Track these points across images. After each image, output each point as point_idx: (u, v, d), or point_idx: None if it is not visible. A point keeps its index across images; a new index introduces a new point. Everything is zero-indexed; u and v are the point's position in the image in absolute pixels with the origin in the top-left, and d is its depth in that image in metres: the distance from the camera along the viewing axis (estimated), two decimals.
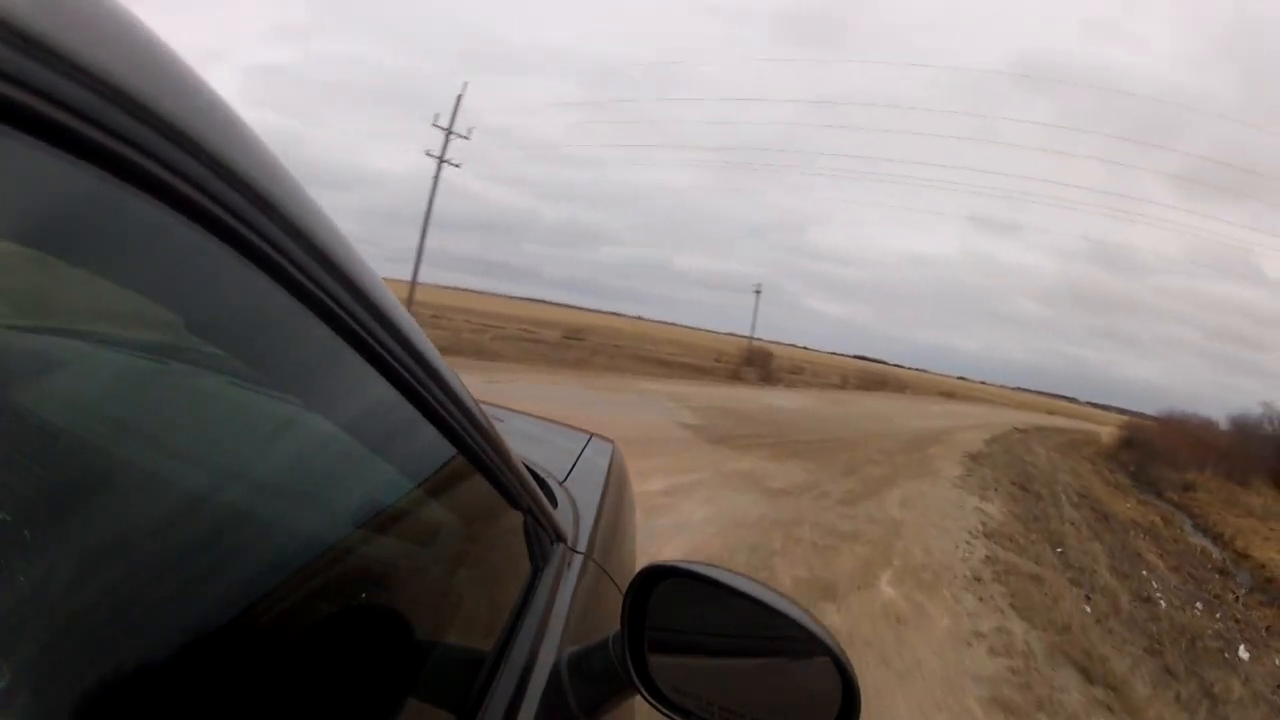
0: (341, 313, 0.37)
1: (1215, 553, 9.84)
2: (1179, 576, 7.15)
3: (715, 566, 0.62)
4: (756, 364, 22.94)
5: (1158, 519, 11.46)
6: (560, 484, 1.04)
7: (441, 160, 18.91)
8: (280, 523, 0.43)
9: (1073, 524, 7.96)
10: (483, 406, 0.60)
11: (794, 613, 0.58)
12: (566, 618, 0.73)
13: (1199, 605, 6.09)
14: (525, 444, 0.89)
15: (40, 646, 0.28)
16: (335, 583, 0.48)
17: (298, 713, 0.41)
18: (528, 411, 1.57)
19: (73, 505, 0.32)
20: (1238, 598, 7.13)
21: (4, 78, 0.21)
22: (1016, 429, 24.28)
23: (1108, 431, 34.74)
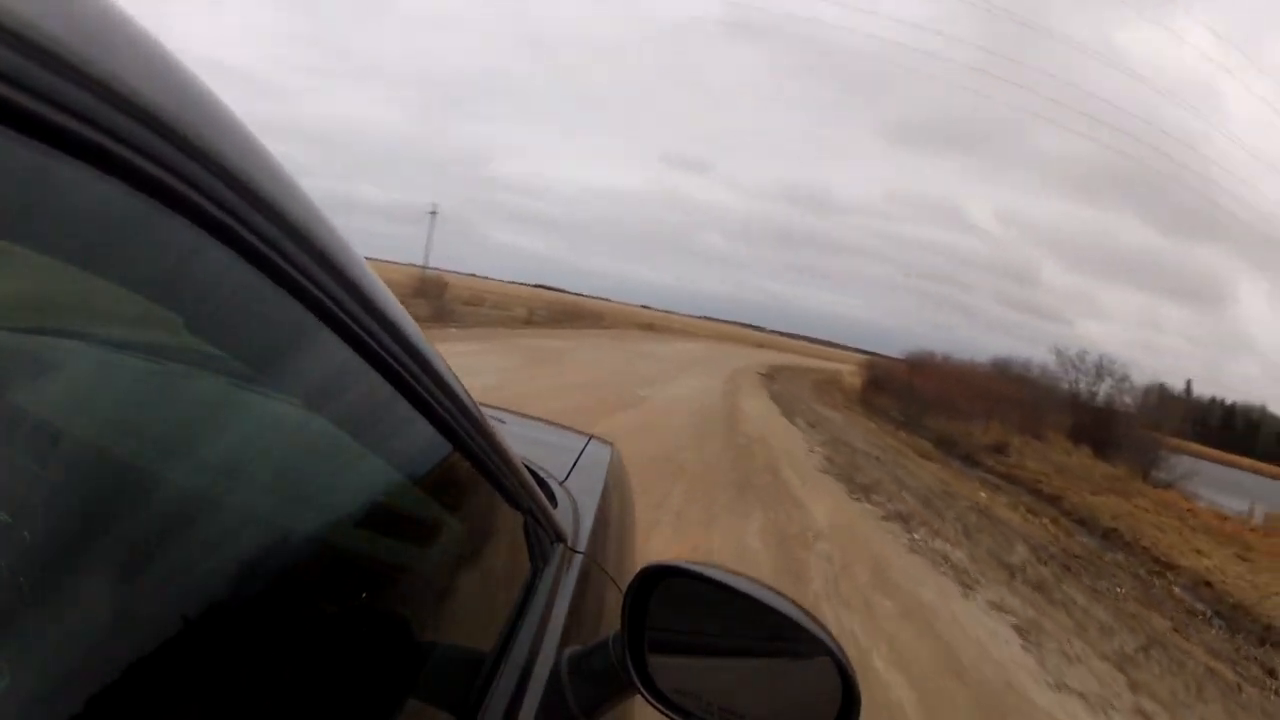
0: (341, 313, 0.37)
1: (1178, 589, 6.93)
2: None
3: (716, 567, 0.62)
4: (429, 295, 17.53)
5: (1027, 513, 8.64)
6: (560, 484, 1.04)
7: None
8: (280, 523, 0.43)
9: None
10: (483, 407, 0.60)
11: (794, 613, 0.58)
12: (566, 618, 0.73)
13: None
14: (525, 444, 0.89)
15: (40, 646, 0.28)
16: (335, 583, 0.48)
17: (298, 713, 0.41)
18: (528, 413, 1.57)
19: (73, 505, 0.32)
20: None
21: (4, 78, 0.21)
22: (760, 373, 20.90)
23: (839, 370, 31.55)
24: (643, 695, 0.60)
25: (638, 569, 0.63)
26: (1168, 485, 15.42)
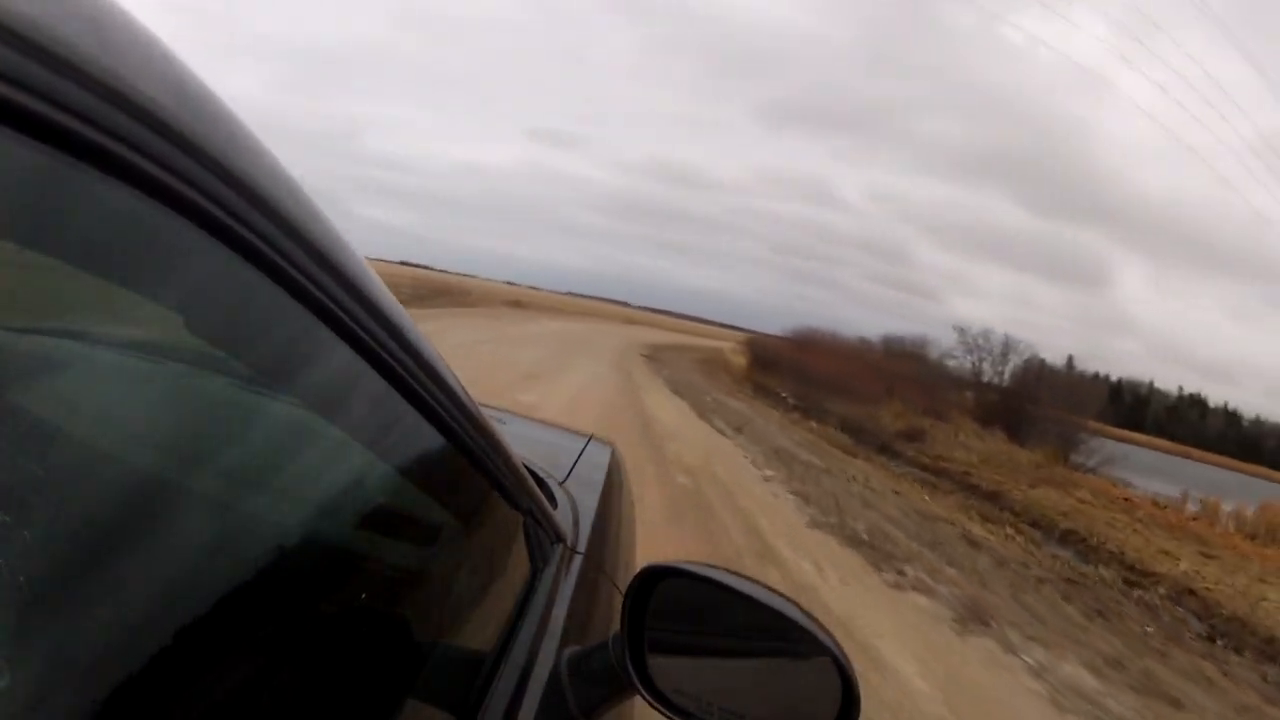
0: (341, 313, 0.37)
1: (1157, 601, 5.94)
2: None
3: (716, 568, 0.62)
4: None
5: (984, 521, 7.62)
6: (560, 485, 1.04)
7: None
8: (280, 523, 0.43)
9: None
10: (483, 407, 0.60)
11: (794, 614, 0.58)
12: (566, 618, 0.73)
13: None
14: (525, 445, 0.89)
15: (40, 646, 0.28)
16: (335, 583, 0.48)
17: (297, 713, 0.41)
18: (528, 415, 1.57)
19: (73, 505, 0.32)
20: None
21: (4, 78, 0.21)
22: (644, 355, 18.74)
23: (717, 347, 28.94)
24: (642, 696, 0.60)
25: (637, 569, 0.63)
26: (1090, 470, 14.37)
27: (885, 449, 11.50)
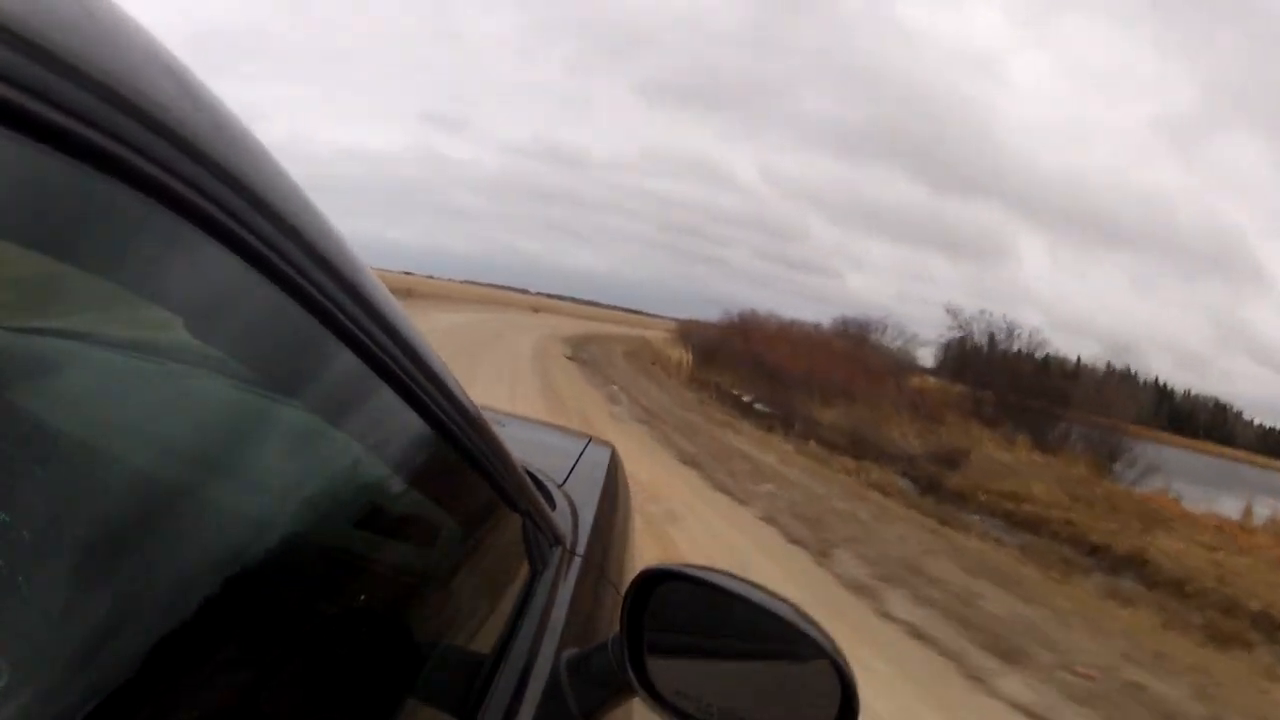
0: (341, 315, 0.37)
1: None
2: None
3: (715, 570, 0.62)
4: None
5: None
6: (559, 487, 1.04)
7: None
8: (280, 524, 0.43)
9: None
10: (483, 410, 0.60)
11: (793, 617, 0.58)
12: (565, 620, 0.73)
13: None
14: (524, 447, 0.89)
15: (40, 646, 0.28)
16: (334, 585, 0.48)
17: (297, 714, 0.41)
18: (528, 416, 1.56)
19: (73, 505, 0.32)
20: None
21: (4, 78, 0.21)
22: (567, 355, 15.08)
23: (643, 337, 25.80)
24: (642, 698, 0.60)
25: (637, 572, 0.63)
26: (1133, 483, 11.21)
27: (935, 486, 8.34)
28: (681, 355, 18.84)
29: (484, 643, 0.63)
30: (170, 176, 0.26)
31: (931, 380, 17.91)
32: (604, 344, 21.64)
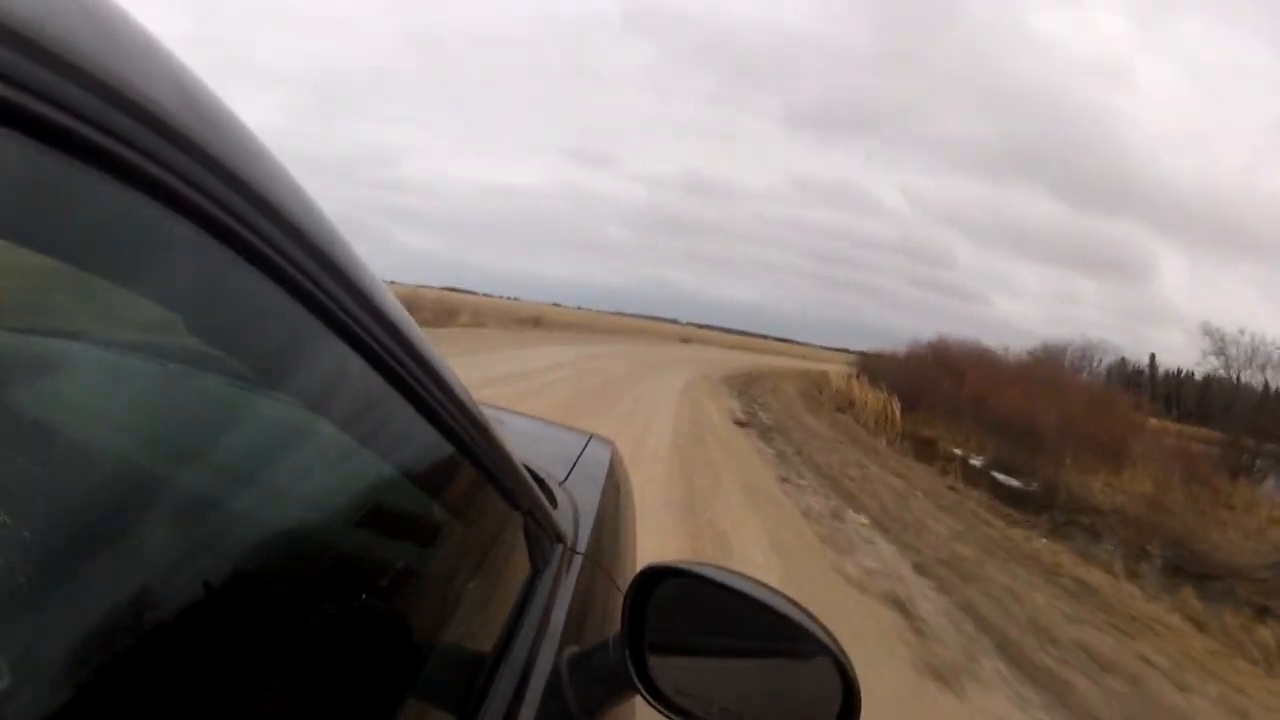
0: (341, 314, 0.37)
1: None
2: None
3: (716, 567, 0.62)
4: None
5: None
6: (560, 485, 1.04)
7: None
8: (279, 523, 0.43)
9: None
10: (482, 407, 0.60)
11: (794, 614, 0.58)
12: (566, 619, 0.73)
13: None
14: (525, 444, 0.89)
15: (40, 646, 0.28)
16: (335, 583, 0.48)
17: (297, 713, 0.41)
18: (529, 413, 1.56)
19: (73, 505, 0.32)
20: None
21: (4, 78, 0.21)
22: (738, 419, 9.34)
23: (810, 371, 22.94)
24: (643, 696, 0.60)
25: (638, 570, 0.63)
26: None
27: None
28: (872, 397, 14.22)
29: (485, 641, 0.63)
30: (171, 176, 0.26)
31: (1170, 424, 14.05)
32: (772, 385, 17.18)
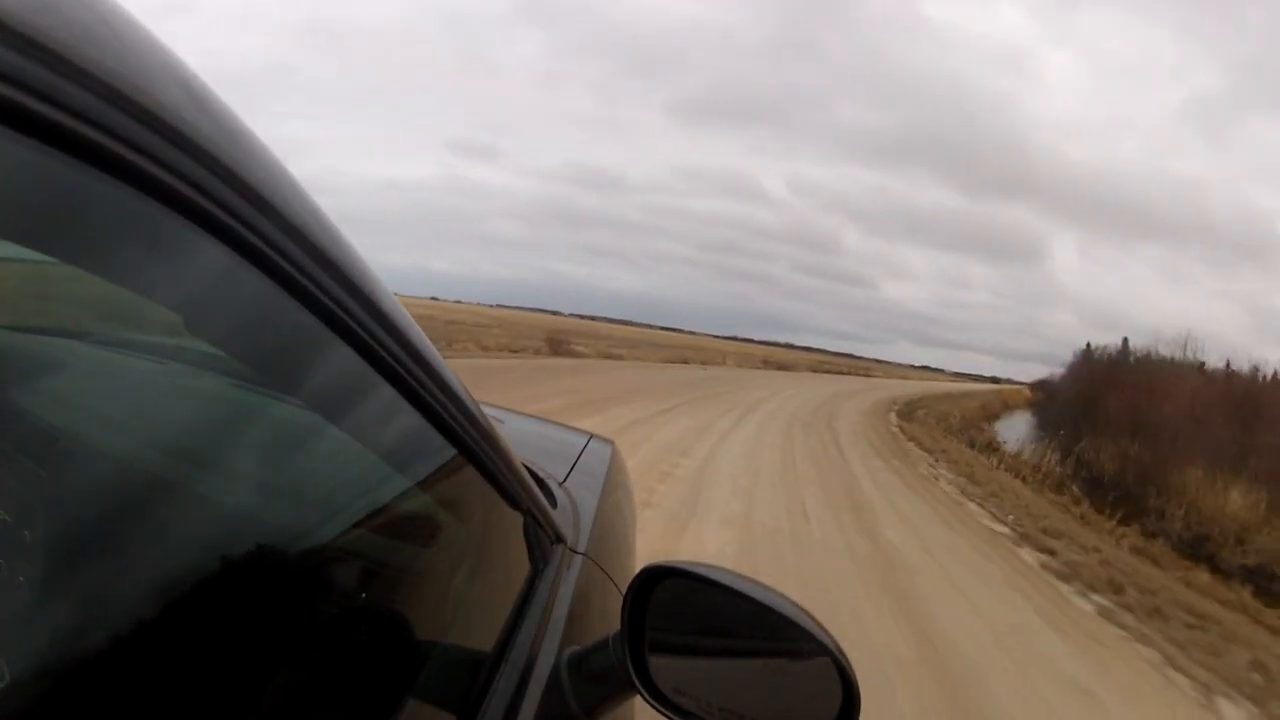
0: (341, 313, 0.37)
1: None
2: None
3: (716, 567, 0.62)
4: None
5: None
6: (560, 484, 1.04)
7: None
8: (280, 523, 0.43)
9: None
10: (483, 407, 0.60)
11: (794, 614, 0.58)
12: (566, 618, 0.73)
13: None
14: (525, 444, 0.89)
15: (40, 646, 0.28)
16: (335, 583, 0.48)
17: (297, 713, 0.41)
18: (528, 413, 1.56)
19: (73, 505, 0.32)
20: None
21: (4, 78, 0.21)
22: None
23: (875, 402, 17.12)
24: (643, 695, 0.60)
25: (637, 569, 0.63)
26: None
27: None
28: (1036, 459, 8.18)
29: (485, 640, 0.63)
30: (171, 176, 0.26)
31: None
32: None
